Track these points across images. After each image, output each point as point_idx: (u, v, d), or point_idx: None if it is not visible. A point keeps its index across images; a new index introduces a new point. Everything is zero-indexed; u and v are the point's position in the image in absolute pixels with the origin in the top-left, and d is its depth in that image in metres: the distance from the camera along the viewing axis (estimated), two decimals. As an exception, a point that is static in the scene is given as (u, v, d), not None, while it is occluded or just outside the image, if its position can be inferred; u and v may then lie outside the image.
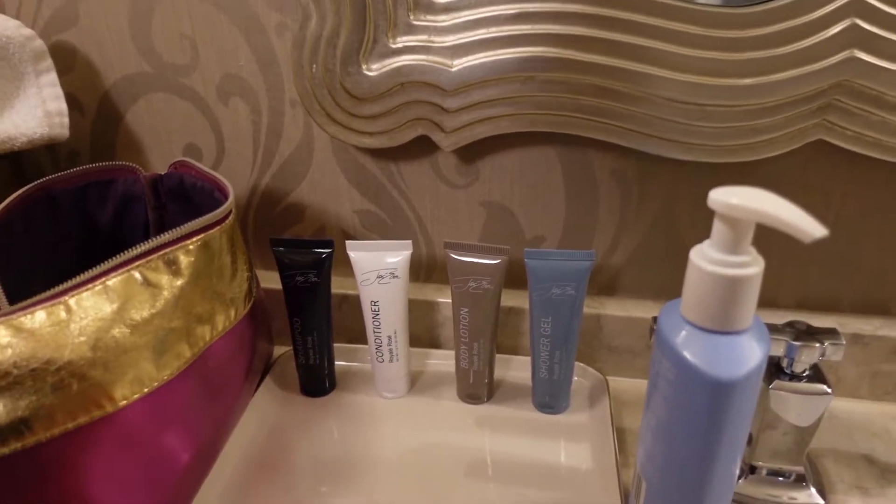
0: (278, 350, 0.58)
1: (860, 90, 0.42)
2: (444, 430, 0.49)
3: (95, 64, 0.55)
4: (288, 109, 0.54)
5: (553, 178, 0.52)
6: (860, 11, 0.40)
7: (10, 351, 0.29)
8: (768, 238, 0.47)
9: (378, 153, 0.54)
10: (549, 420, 0.50)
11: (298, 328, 0.51)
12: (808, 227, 0.27)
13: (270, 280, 0.56)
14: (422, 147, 0.52)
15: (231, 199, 0.42)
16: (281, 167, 0.57)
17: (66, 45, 0.55)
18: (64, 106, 0.50)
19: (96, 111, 0.57)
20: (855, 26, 0.40)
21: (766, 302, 0.54)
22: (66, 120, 0.50)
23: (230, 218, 0.42)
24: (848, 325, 0.52)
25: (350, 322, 0.58)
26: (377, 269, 0.49)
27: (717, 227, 0.30)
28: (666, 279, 0.55)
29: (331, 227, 0.59)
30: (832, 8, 0.40)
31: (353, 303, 0.58)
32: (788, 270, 0.53)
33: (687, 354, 0.31)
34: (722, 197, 0.29)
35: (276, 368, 0.55)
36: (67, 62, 0.55)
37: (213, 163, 0.58)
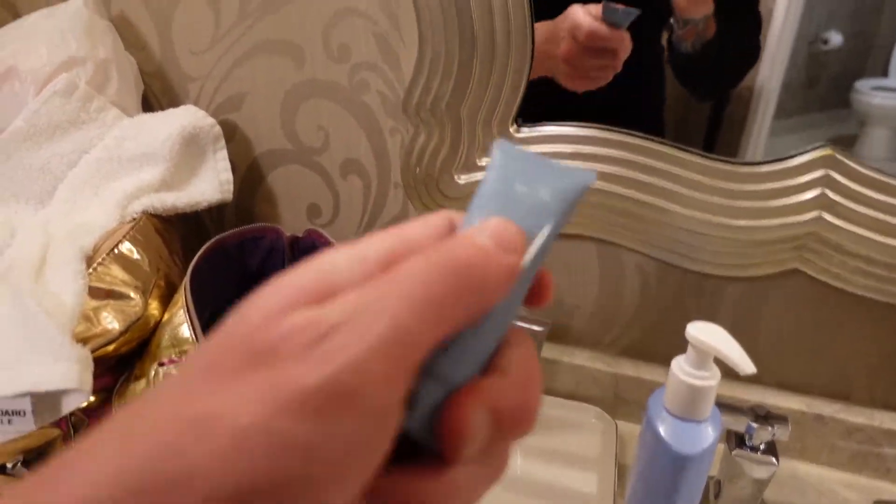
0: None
1: (826, 239, 0.56)
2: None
3: (250, 138, 0.73)
4: (391, 190, 0.70)
5: (589, 267, 0.67)
6: (828, 183, 0.54)
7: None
8: (761, 330, 0.62)
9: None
10: (562, 448, 0.66)
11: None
12: (744, 364, 0.42)
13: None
14: (491, 231, 0.68)
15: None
16: (381, 229, 0.73)
17: (229, 122, 0.73)
18: (231, 176, 0.68)
19: (245, 173, 0.75)
20: (823, 195, 0.54)
21: (751, 379, 0.68)
22: (231, 186, 0.68)
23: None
24: (814, 405, 0.65)
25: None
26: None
27: (689, 349, 0.45)
28: (672, 351, 0.69)
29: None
30: (807, 179, 0.54)
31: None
32: (771, 358, 0.66)
33: (661, 431, 0.47)
34: (692, 331, 0.44)
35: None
36: (228, 134, 0.73)
37: (329, 219, 0.75)
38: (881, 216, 0.54)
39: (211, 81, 0.71)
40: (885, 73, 0.54)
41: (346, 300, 0.18)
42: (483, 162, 0.62)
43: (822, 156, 0.54)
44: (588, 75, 0.57)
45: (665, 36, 0.57)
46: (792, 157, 0.55)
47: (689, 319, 0.67)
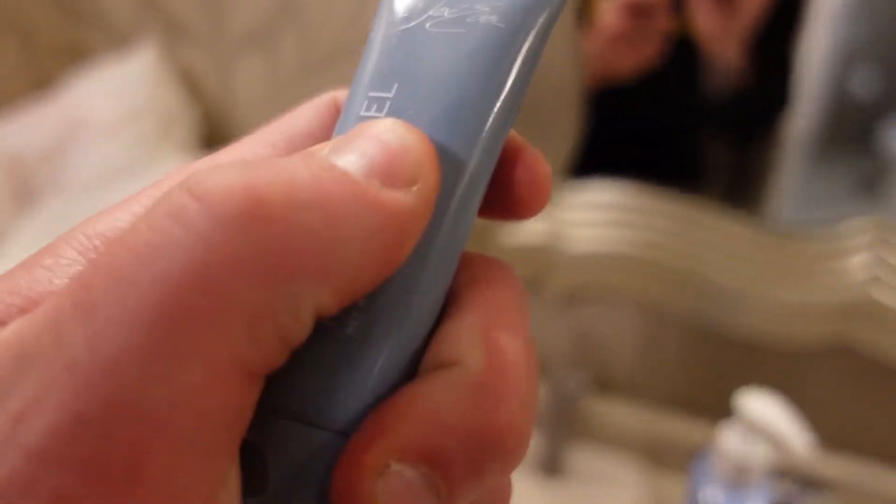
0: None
1: (879, 306, 0.55)
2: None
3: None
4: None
5: (632, 327, 0.68)
6: (880, 249, 0.54)
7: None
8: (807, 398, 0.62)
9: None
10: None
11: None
12: (799, 447, 0.42)
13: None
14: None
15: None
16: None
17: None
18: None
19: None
20: (875, 259, 0.54)
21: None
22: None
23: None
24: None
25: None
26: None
27: (740, 419, 0.45)
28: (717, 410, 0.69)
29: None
30: (856, 244, 0.54)
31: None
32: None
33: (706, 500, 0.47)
34: (746, 403, 0.44)
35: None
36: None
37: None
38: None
39: (258, 119, 0.74)
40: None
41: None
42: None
43: (872, 224, 0.54)
44: (635, 44, 0.56)
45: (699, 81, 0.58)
46: (839, 225, 0.55)
47: (733, 376, 0.67)
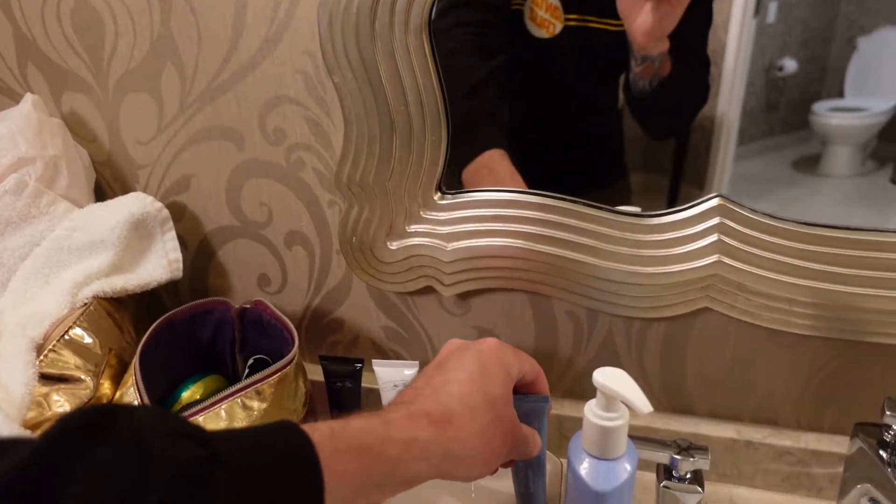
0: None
1: (728, 280, 0.61)
2: None
3: (199, 217, 0.77)
4: (334, 257, 0.74)
5: (525, 315, 0.72)
6: (723, 230, 0.59)
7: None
8: (687, 365, 0.66)
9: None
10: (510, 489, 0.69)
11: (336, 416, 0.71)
12: (641, 406, 0.46)
13: (315, 372, 0.76)
14: (429, 290, 0.72)
15: (296, 344, 0.62)
16: (327, 294, 0.77)
17: (178, 203, 0.77)
18: (180, 255, 0.71)
19: (196, 249, 0.79)
20: (720, 240, 0.59)
21: (683, 409, 0.72)
22: (181, 265, 0.71)
23: (296, 357, 0.62)
24: (744, 432, 0.69)
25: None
26: (394, 380, 0.68)
27: (597, 393, 0.49)
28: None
29: (363, 337, 0.79)
30: (703, 227, 0.59)
31: (377, 394, 0.77)
32: (700, 390, 0.70)
33: (579, 471, 0.50)
34: (597, 377, 0.48)
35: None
36: (177, 215, 0.77)
37: (278, 287, 0.79)
38: (773, 256, 0.59)
39: (159, 167, 0.76)
40: (840, 94, 0.58)
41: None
42: (412, 228, 0.67)
43: (716, 206, 0.59)
44: None
45: (622, 77, 0.62)
46: (688, 207, 0.60)
47: (621, 359, 0.71)
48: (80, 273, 0.63)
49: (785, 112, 0.61)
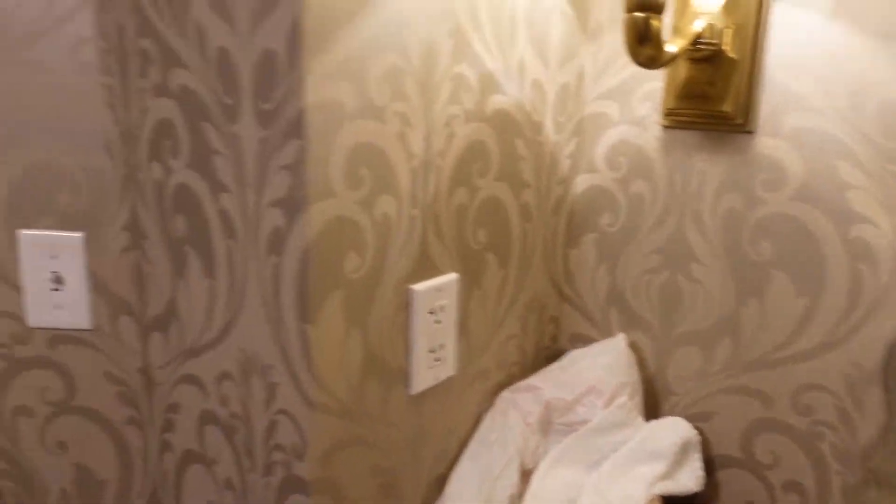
0: None
1: None
2: None
3: (712, 443, 1.02)
4: (826, 512, 0.92)
5: None
6: None
7: None
8: None
9: None
10: None
11: None
12: None
13: None
14: None
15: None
16: (807, 537, 0.94)
17: (698, 429, 1.03)
18: (702, 472, 0.96)
19: (704, 466, 1.04)
20: None
21: None
22: (703, 480, 0.96)
23: None
24: None
25: None
26: None
27: None
28: None
29: None
30: None
31: None
32: None
33: None
34: None
35: None
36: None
37: (760, 516, 0.98)
38: None
39: (688, 397, 1.04)
40: None
41: None
42: None
43: None
44: None
45: None
46: None
47: None
48: (649, 473, 0.92)
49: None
